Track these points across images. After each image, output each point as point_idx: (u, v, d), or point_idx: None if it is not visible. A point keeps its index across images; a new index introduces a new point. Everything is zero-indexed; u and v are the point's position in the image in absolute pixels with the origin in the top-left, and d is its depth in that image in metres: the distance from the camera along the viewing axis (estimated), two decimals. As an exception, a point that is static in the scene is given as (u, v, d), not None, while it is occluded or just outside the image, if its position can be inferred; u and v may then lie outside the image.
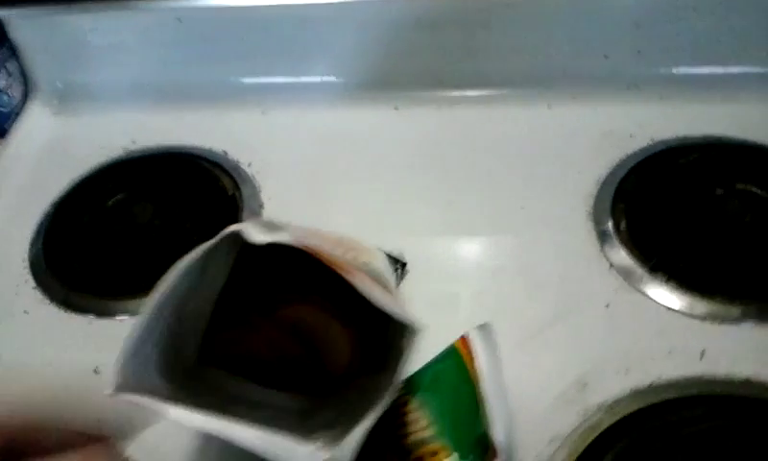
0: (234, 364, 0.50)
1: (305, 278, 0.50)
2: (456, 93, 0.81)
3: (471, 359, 0.49)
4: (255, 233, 0.40)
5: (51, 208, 0.75)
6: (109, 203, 0.74)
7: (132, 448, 0.52)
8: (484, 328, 0.51)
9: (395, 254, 0.63)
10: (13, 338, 0.64)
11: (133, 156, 0.79)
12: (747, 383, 0.54)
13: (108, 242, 0.71)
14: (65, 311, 0.66)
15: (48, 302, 0.66)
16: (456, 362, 0.44)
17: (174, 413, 0.40)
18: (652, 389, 0.54)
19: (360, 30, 0.79)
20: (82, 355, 0.61)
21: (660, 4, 0.75)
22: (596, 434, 0.52)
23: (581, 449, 0.51)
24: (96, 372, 0.60)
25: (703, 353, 0.56)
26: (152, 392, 0.41)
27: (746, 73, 0.77)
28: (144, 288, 0.64)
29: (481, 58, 0.79)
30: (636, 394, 0.54)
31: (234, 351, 0.51)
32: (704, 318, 0.59)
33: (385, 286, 0.41)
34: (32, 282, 0.68)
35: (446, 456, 0.42)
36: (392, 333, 0.47)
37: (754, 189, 0.67)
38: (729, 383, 0.54)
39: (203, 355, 0.49)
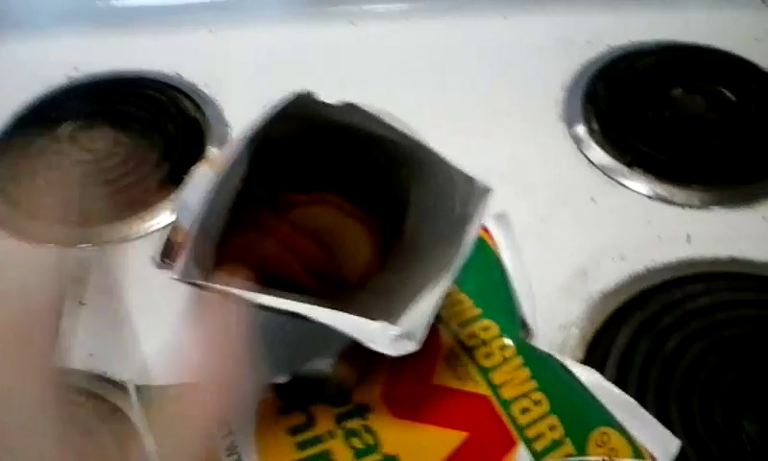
0: (253, 271, 0.48)
1: (320, 174, 0.48)
2: (411, 6, 0.80)
3: (494, 245, 0.49)
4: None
5: (-6, 141, 0.69)
6: (62, 131, 0.68)
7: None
8: (501, 217, 0.51)
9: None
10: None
11: (79, 83, 0.74)
12: (733, 261, 0.57)
13: (65, 170, 0.66)
14: (29, 243, 0.61)
15: (6, 235, 0.61)
16: (482, 247, 0.44)
17: (261, 299, 0.37)
18: (648, 273, 0.57)
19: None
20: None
21: None
22: (605, 317, 0.54)
23: (592, 333, 0.53)
24: (81, 303, 0.56)
25: (689, 237, 0.59)
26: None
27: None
28: (110, 218, 0.62)
29: (437, -31, 0.79)
30: (635, 278, 0.56)
31: (248, 256, 0.48)
32: (683, 205, 0.62)
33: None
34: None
35: (497, 332, 0.42)
36: (418, 212, 0.47)
37: (713, 88, 0.71)
38: (717, 262, 0.57)
39: (220, 262, 0.47)
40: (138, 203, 0.62)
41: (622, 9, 0.79)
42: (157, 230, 0.60)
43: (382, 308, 0.41)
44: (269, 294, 0.37)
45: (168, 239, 0.58)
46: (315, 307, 0.36)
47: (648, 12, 0.79)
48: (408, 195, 0.47)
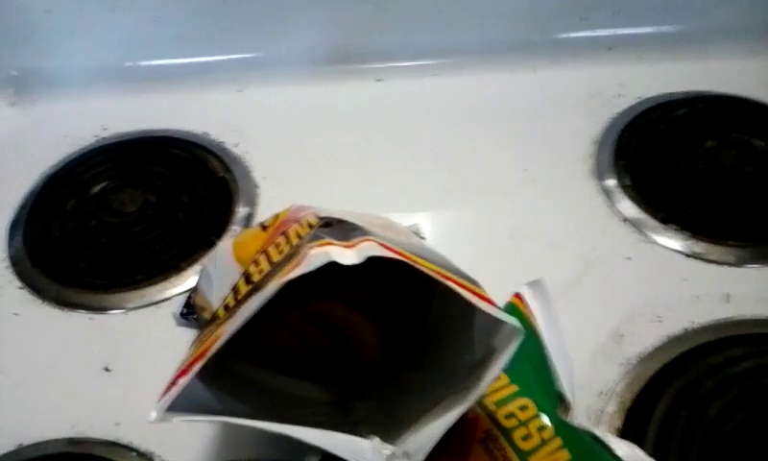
0: (262, 355, 0.48)
1: (333, 271, 0.47)
2: (439, 62, 0.80)
3: (530, 315, 0.48)
4: (345, 255, 0.35)
5: (25, 202, 0.69)
6: (91, 192, 0.69)
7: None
8: (537, 284, 0.50)
9: (412, 229, 0.62)
10: (8, 343, 0.59)
11: (108, 142, 0.75)
12: (774, 321, 0.56)
13: (96, 233, 0.66)
14: (60, 309, 0.61)
15: (40, 301, 0.61)
16: (517, 318, 0.43)
17: (235, 422, 0.36)
18: (687, 334, 0.55)
19: (336, 1, 0.77)
20: (87, 354, 0.57)
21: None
22: (643, 383, 0.52)
23: (631, 400, 0.51)
24: (107, 370, 0.56)
25: (728, 297, 0.57)
26: (193, 401, 0.37)
27: (719, 29, 0.79)
28: (142, 279, 0.62)
29: (462, 25, 0.79)
30: (673, 340, 0.55)
31: (261, 343, 0.48)
32: (721, 262, 0.60)
33: (471, 282, 0.39)
34: (17, 282, 0.63)
35: (535, 411, 0.41)
36: (434, 328, 0.46)
37: (746, 139, 0.69)
38: (758, 323, 0.56)
39: (229, 347, 0.46)
40: (167, 266, 0.62)
41: (651, 60, 0.79)
42: (185, 291, 0.60)
43: (389, 413, 0.41)
44: (261, 412, 0.36)
45: (189, 297, 0.58)
46: (304, 429, 0.35)
47: (677, 62, 0.78)
48: (431, 302, 0.46)
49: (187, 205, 0.68)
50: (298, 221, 0.42)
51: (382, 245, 0.35)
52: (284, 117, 0.76)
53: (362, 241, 0.35)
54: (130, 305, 0.61)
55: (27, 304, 0.61)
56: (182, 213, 0.67)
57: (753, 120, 0.72)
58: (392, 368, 0.48)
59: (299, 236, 0.40)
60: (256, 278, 0.39)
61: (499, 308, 0.36)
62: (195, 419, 0.35)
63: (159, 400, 0.34)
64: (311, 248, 0.34)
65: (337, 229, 0.38)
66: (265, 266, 0.40)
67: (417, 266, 0.35)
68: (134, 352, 0.57)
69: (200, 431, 0.51)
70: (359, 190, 0.68)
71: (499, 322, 0.36)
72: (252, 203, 0.68)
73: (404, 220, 0.61)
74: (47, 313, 0.60)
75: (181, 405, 0.35)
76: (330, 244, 0.34)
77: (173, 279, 0.61)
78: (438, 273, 0.36)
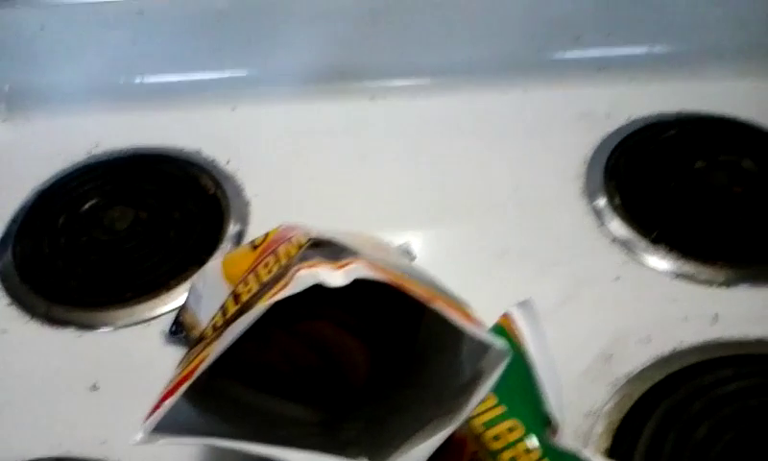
0: (249, 375, 0.48)
1: (322, 291, 0.48)
2: (432, 81, 0.80)
3: (518, 336, 0.48)
4: (333, 276, 0.34)
5: (16, 217, 0.69)
6: (82, 209, 0.69)
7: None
8: (526, 304, 0.50)
9: (403, 248, 0.62)
10: (-4, 360, 0.59)
11: (100, 159, 0.75)
12: (762, 343, 0.56)
13: (86, 250, 0.66)
14: (48, 326, 0.61)
15: (28, 317, 0.61)
16: (506, 340, 0.43)
17: (221, 444, 0.36)
18: (675, 355, 0.55)
19: (329, 20, 0.78)
20: (76, 372, 0.57)
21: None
22: (631, 403, 0.52)
23: (619, 420, 0.51)
24: (95, 388, 0.56)
25: (716, 317, 0.58)
26: (179, 421, 0.37)
27: (710, 51, 0.80)
28: (131, 297, 0.62)
29: (455, 44, 0.79)
30: (662, 361, 0.55)
31: (249, 363, 0.48)
32: (710, 283, 0.60)
33: (459, 303, 0.39)
34: (5, 298, 0.63)
35: (522, 433, 0.41)
36: (423, 348, 0.46)
37: (736, 160, 0.70)
38: (746, 344, 0.56)
39: (216, 367, 0.46)
40: (157, 283, 0.62)
41: (642, 80, 0.79)
42: (175, 310, 0.60)
43: (377, 434, 0.41)
44: (245, 435, 0.36)
45: (178, 315, 0.57)
46: (290, 451, 0.34)
47: (668, 83, 0.78)
48: (420, 322, 0.46)
49: (178, 222, 0.68)
50: (288, 240, 0.42)
51: (371, 266, 0.35)
52: (277, 135, 0.77)
53: (351, 262, 0.35)
54: (119, 323, 0.60)
55: (15, 321, 0.61)
56: (173, 231, 0.67)
57: (743, 141, 0.72)
58: (380, 388, 0.48)
59: (288, 256, 0.40)
60: (245, 297, 0.39)
61: (487, 330, 0.36)
62: (180, 441, 0.35)
63: (145, 422, 0.34)
64: (299, 269, 0.34)
65: (326, 249, 0.38)
66: (254, 286, 0.40)
67: (404, 289, 0.35)
68: (123, 371, 0.57)
69: (187, 450, 0.51)
70: (350, 208, 0.68)
71: (487, 345, 0.36)
72: (243, 220, 0.68)
73: (395, 238, 0.61)
74: (35, 330, 0.60)
75: (167, 426, 0.35)
76: (319, 265, 0.34)
77: (163, 297, 0.61)
78: (426, 295, 0.36)
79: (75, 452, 0.52)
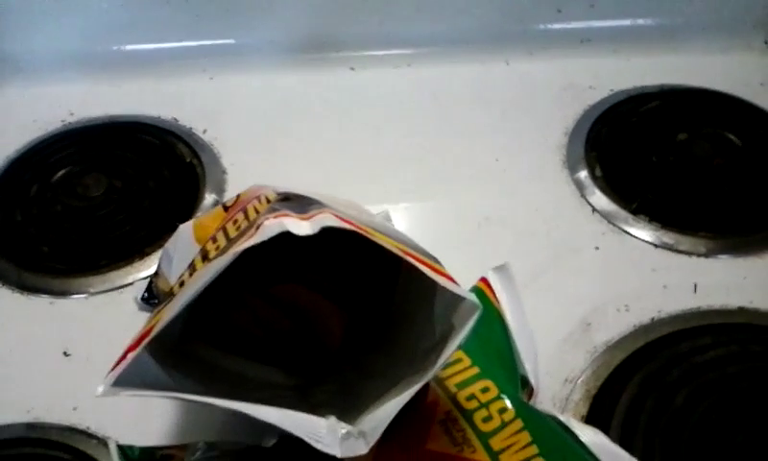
0: (222, 339, 0.47)
1: (297, 254, 0.47)
2: (412, 51, 0.79)
3: (495, 299, 0.48)
4: (300, 226, 0.33)
5: (-13, 186, 0.68)
6: (56, 177, 0.67)
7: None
8: (503, 269, 0.50)
9: (381, 215, 0.61)
10: (-35, 326, 0.58)
11: (75, 127, 0.73)
12: (742, 311, 0.55)
13: (60, 217, 0.65)
14: (20, 293, 0.59)
15: (0, 284, 0.60)
16: (482, 301, 0.43)
17: (187, 399, 0.35)
18: (654, 324, 0.55)
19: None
20: (48, 339, 0.56)
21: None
22: (609, 371, 0.52)
23: (597, 387, 0.51)
24: (66, 354, 0.55)
25: (695, 287, 0.57)
26: (146, 379, 0.36)
27: (693, 24, 0.79)
28: (105, 264, 0.60)
29: (436, 15, 0.78)
30: (640, 330, 0.54)
31: (221, 325, 0.47)
32: (690, 253, 0.60)
33: (432, 260, 0.38)
34: (-24, 265, 0.62)
35: (496, 393, 0.40)
36: (397, 313, 0.45)
37: (718, 132, 0.70)
38: (725, 313, 0.55)
39: (187, 330, 0.45)
40: (131, 251, 0.61)
41: (625, 53, 0.79)
42: (148, 277, 0.59)
43: (349, 396, 0.40)
44: (216, 391, 0.35)
45: (150, 281, 0.56)
46: (260, 407, 0.34)
47: (652, 55, 0.78)
48: (395, 288, 0.45)
49: (153, 190, 0.66)
50: (257, 198, 0.41)
51: (338, 217, 0.34)
52: (255, 105, 0.75)
53: (319, 213, 0.34)
54: (92, 290, 0.59)
55: (-14, 288, 0.60)
56: (148, 199, 0.66)
57: (725, 114, 0.72)
58: (354, 354, 0.48)
59: (257, 212, 0.39)
60: (213, 254, 0.39)
61: (458, 285, 0.35)
62: (144, 394, 0.34)
63: (107, 375, 0.33)
64: (266, 219, 0.33)
65: (295, 202, 0.38)
66: (222, 242, 0.39)
67: (374, 239, 0.34)
68: (95, 337, 0.56)
69: (158, 416, 0.50)
70: (329, 179, 0.67)
71: (458, 299, 0.35)
72: (219, 189, 0.67)
73: (374, 208, 0.60)
74: (7, 297, 0.59)
75: (133, 381, 0.34)
76: (286, 216, 0.33)
77: (136, 264, 0.60)
78: (397, 249, 0.35)
79: (45, 419, 0.50)
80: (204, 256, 0.39)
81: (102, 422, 0.50)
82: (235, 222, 0.40)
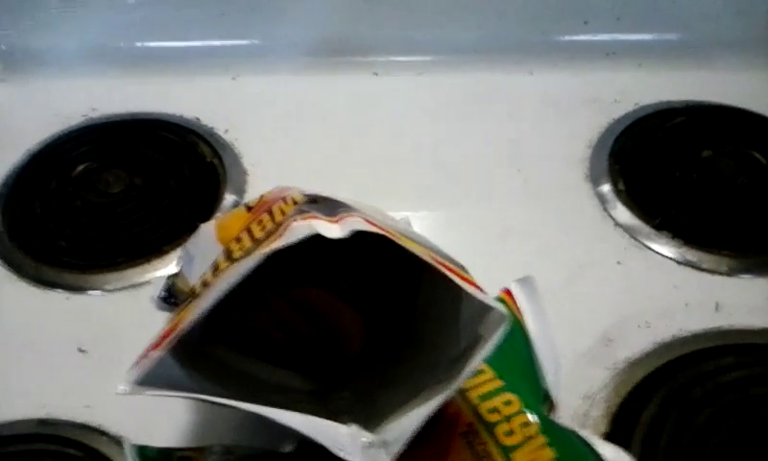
0: (240, 340, 0.46)
1: (317, 257, 0.46)
2: (436, 58, 0.79)
3: (518, 311, 0.47)
4: (330, 229, 0.33)
5: (7, 179, 0.68)
6: (76, 172, 0.67)
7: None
8: (527, 280, 0.49)
9: (404, 222, 0.61)
10: (-19, 318, 0.57)
11: (96, 122, 0.73)
12: (765, 332, 0.55)
13: (78, 212, 0.65)
14: (36, 287, 0.59)
15: (16, 277, 0.60)
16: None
17: (209, 400, 0.35)
18: (676, 342, 0.54)
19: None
20: (63, 334, 0.55)
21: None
22: (629, 388, 0.51)
23: (617, 404, 0.50)
24: (81, 351, 0.55)
25: (717, 306, 0.56)
26: (166, 380, 0.35)
27: (720, 40, 0.79)
28: (123, 261, 0.60)
29: (462, 23, 0.78)
30: (662, 347, 0.54)
31: (240, 327, 0.47)
32: (712, 272, 0.59)
33: (459, 268, 0.38)
34: (-6, 258, 0.61)
35: (520, 407, 0.40)
36: (419, 320, 0.44)
37: (743, 150, 0.69)
38: (748, 333, 0.55)
39: (206, 331, 0.45)
40: (149, 248, 0.61)
41: (651, 68, 0.78)
42: (166, 275, 0.58)
43: (369, 404, 0.40)
44: (236, 393, 0.35)
45: (170, 281, 0.56)
46: (283, 412, 0.33)
47: (677, 71, 0.77)
48: (417, 294, 0.45)
49: (174, 188, 0.66)
50: (283, 199, 0.40)
51: (368, 221, 0.33)
52: (277, 106, 0.75)
53: (348, 216, 0.34)
54: (109, 287, 0.59)
55: (3, 281, 0.60)
56: (168, 197, 0.65)
57: (750, 132, 0.71)
58: (375, 361, 0.47)
59: (283, 213, 0.38)
60: (237, 254, 0.38)
61: (486, 294, 0.35)
62: (166, 394, 0.33)
63: (129, 372, 0.33)
64: (295, 220, 0.33)
65: (323, 204, 0.37)
66: (247, 243, 0.38)
67: (402, 244, 0.33)
68: (110, 335, 0.55)
69: (173, 416, 0.49)
70: (349, 183, 0.66)
71: (486, 309, 0.34)
72: (240, 190, 0.66)
73: (395, 214, 0.60)
74: (23, 290, 0.59)
75: (154, 381, 0.34)
76: (315, 218, 0.33)
77: (154, 262, 0.60)
78: (427, 255, 0.34)
79: (58, 415, 0.50)
80: (228, 256, 0.39)
81: (114, 420, 0.49)
82: (260, 222, 0.39)
